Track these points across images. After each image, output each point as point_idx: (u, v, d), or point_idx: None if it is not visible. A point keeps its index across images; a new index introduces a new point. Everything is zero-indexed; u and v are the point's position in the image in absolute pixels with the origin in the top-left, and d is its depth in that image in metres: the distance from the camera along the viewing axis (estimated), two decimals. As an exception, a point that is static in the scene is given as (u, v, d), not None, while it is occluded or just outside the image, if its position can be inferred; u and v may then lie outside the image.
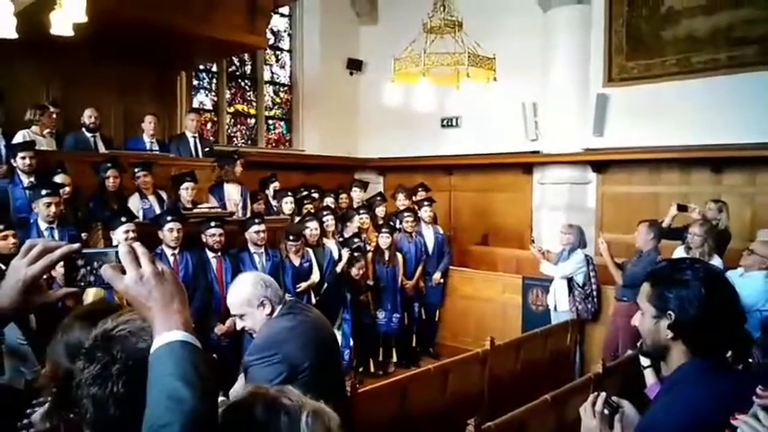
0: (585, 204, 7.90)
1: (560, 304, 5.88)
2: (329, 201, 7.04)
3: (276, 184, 6.96)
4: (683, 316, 1.50)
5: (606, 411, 1.55)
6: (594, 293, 5.85)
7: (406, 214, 6.96)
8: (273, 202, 6.82)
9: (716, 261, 4.82)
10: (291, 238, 5.77)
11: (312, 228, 6.08)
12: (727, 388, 1.46)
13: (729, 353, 2.82)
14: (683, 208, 5.66)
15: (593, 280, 5.84)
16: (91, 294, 4.13)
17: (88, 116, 6.20)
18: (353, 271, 5.94)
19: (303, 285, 5.80)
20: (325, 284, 5.99)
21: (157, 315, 1.02)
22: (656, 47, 7.35)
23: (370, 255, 6.33)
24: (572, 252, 5.86)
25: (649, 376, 2.68)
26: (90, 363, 1.09)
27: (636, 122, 7.30)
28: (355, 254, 6.02)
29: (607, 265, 5.51)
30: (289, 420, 1.00)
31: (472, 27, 5.94)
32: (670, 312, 1.52)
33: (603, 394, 1.59)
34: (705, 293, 1.49)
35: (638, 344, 1.71)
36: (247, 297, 2.42)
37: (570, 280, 5.84)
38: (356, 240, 6.21)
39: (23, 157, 5.03)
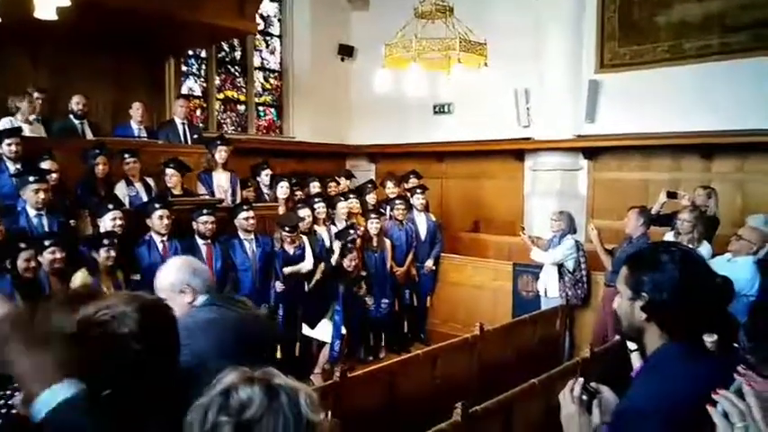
0: (577, 191, 7.91)
1: (550, 290, 5.90)
2: (315, 186, 7.00)
3: (268, 171, 6.93)
4: (655, 298, 1.51)
5: (584, 397, 1.56)
6: (584, 279, 5.88)
7: (397, 201, 6.95)
8: (266, 190, 6.79)
9: (705, 247, 4.85)
10: (287, 229, 5.75)
11: (304, 215, 6.08)
12: (703, 371, 1.47)
13: (715, 337, 2.86)
14: (672, 195, 5.68)
15: (582, 266, 5.86)
16: (78, 279, 4.13)
17: (76, 103, 6.13)
18: (345, 262, 5.91)
19: (288, 270, 5.79)
20: (319, 274, 6.00)
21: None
22: (648, 33, 7.32)
23: (359, 241, 6.32)
24: (562, 238, 5.87)
25: (636, 360, 2.67)
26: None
27: (627, 109, 7.29)
28: (348, 245, 5.99)
29: (597, 252, 5.54)
30: (289, 401, 1.00)
31: (464, 13, 5.90)
32: (644, 294, 1.53)
33: (581, 380, 1.60)
34: (679, 277, 1.50)
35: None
36: (171, 281, 2.25)
37: (560, 266, 5.86)
38: (351, 232, 6.19)
39: (9, 144, 4.97)
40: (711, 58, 6.77)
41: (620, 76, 7.46)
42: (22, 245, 3.90)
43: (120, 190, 5.59)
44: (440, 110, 9.06)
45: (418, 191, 7.11)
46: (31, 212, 4.58)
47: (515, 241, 7.07)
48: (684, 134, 6.80)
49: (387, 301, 6.55)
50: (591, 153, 7.80)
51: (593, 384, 1.60)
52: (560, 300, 5.78)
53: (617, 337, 4.35)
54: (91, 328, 1.11)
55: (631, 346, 2.73)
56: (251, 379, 1.02)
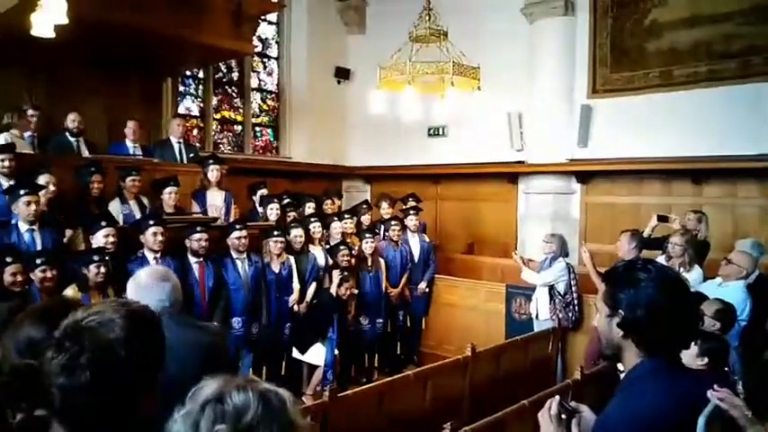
0: (570, 214, 7.95)
1: (541, 313, 5.90)
2: (310, 206, 7.01)
3: (264, 191, 6.95)
4: (631, 315, 1.53)
5: (563, 416, 1.56)
6: (576, 302, 5.88)
7: (392, 222, 6.98)
8: (259, 209, 6.80)
9: (696, 271, 4.88)
10: (276, 234, 5.76)
11: (296, 234, 6.08)
12: (683, 388, 1.48)
13: (706, 360, 2.87)
14: (663, 218, 5.73)
15: (573, 288, 5.87)
16: (68, 295, 4.11)
17: (71, 120, 6.15)
18: (341, 291, 5.89)
19: (292, 299, 5.84)
20: (313, 299, 5.99)
21: None
22: (639, 59, 7.44)
23: (353, 261, 6.31)
24: (553, 261, 5.89)
25: (624, 381, 2.69)
26: (59, 353, 1.11)
27: (619, 133, 7.38)
28: (344, 273, 5.97)
29: (590, 274, 5.56)
30: (281, 405, 0.98)
31: (458, 37, 5.99)
32: (620, 311, 1.55)
33: (557, 398, 1.60)
34: (655, 294, 1.52)
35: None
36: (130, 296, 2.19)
37: (551, 288, 5.87)
38: (342, 248, 6.19)
39: (3, 160, 4.97)
40: (701, 84, 6.88)
41: (612, 102, 7.56)
42: (9, 259, 3.88)
43: (114, 207, 5.60)
44: (434, 132, 9.14)
45: (412, 212, 7.15)
46: (23, 227, 4.57)
47: (509, 263, 7.09)
48: (675, 159, 6.87)
49: (381, 321, 6.53)
50: (583, 177, 7.87)
51: (572, 403, 1.61)
52: (552, 322, 5.78)
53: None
54: (80, 333, 1.11)
55: (621, 367, 2.75)
56: (242, 384, 0.99)
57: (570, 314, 5.83)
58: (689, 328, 1.61)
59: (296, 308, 5.92)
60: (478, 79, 5.97)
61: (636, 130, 7.20)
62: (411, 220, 7.10)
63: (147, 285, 2.17)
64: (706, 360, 2.85)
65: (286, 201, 6.93)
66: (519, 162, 8.23)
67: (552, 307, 5.86)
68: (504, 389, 4.51)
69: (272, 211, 6.49)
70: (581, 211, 7.92)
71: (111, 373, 1.08)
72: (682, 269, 4.74)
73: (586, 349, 5.44)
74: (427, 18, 6.06)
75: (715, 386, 1.47)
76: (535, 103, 7.94)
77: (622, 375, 2.70)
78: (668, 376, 1.51)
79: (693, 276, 4.76)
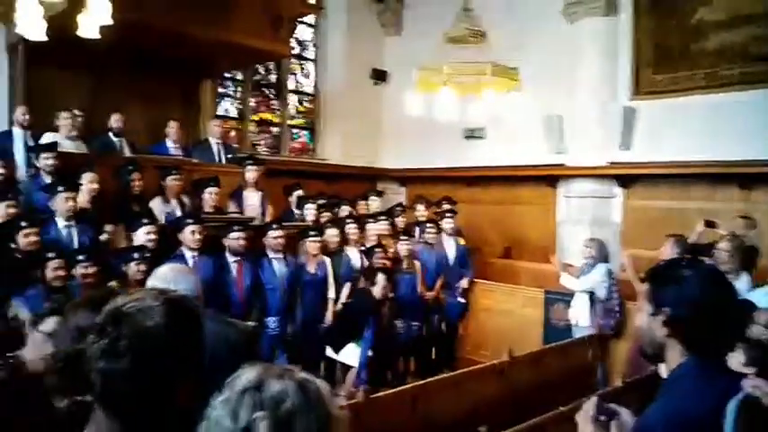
0: (610, 219, 7.76)
1: (581, 319, 5.76)
2: (345, 209, 7.01)
3: (300, 192, 6.99)
4: (676, 313, 1.50)
5: (602, 418, 1.50)
6: (617, 308, 5.72)
7: (428, 225, 6.92)
8: (296, 210, 6.84)
9: (744, 278, 4.67)
10: (312, 234, 5.77)
11: (332, 234, 6.08)
12: (726, 389, 1.42)
13: (754, 369, 2.74)
14: (710, 224, 5.53)
15: (615, 294, 5.72)
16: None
17: (115, 120, 6.31)
18: (375, 291, 5.84)
19: (329, 313, 5.86)
20: (348, 300, 5.97)
21: None
22: (684, 60, 7.21)
23: (388, 264, 6.28)
24: (594, 266, 5.75)
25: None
26: (99, 337, 1.12)
27: (663, 136, 7.16)
28: (382, 273, 5.92)
29: (631, 280, 5.40)
30: (318, 394, 0.98)
31: (496, 38, 5.93)
32: (665, 309, 1.51)
33: (595, 399, 1.55)
34: (700, 292, 1.49)
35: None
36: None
37: (592, 294, 5.72)
38: (377, 250, 6.14)
39: (46, 158, 5.12)
40: (750, 85, 6.62)
41: (656, 104, 7.34)
42: (51, 254, 3.97)
43: (156, 206, 5.69)
44: (471, 135, 9.04)
45: (448, 215, 7.07)
46: (61, 223, 4.67)
47: (547, 268, 6.94)
48: (722, 163, 6.63)
49: (417, 323, 6.48)
50: (625, 181, 7.67)
51: (612, 406, 1.55)
52: (592, 329, 5.63)
53: (652, 367, 4.21)
54: (120, 319, 1.12)
55: (664, 374, 2.64)
56: (280, 373, 0.99)
57: (611, 321, 5.68)
58: (734, 327, 1.58)
59: (331, 308, 5.91)
60: (517, 80, 5.89)
61: (681, 133, 6.98)
62: (447, 223, 7.03)
63: (175, 278, 2.16)
64: (753, 370, 2.73)
65: (321, 202, 6.94)
66: (558, 165, 8.08)
67: (593, 313, 5.72)
68: (542, 396, 4.39)
69: (309, 212, 6.51)
70: (622, 216, 7.72)
71: (148, 360, 1.09)
72: (729, 276, 4.56)
73: (629, 357, 5.28)
74: (465, 19, 6.01)
75: (749, 376, 1.43)
76: (575, 105, 7.77)
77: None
78: (711, 377, 1.46)
79: (741, 284, 4.56)
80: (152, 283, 2.17)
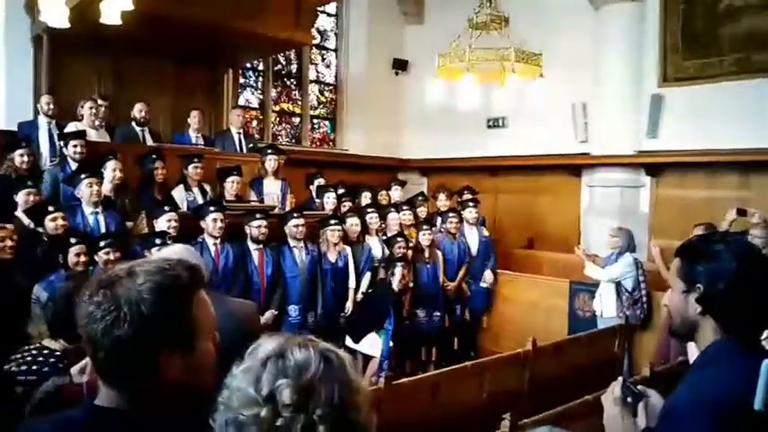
0: (638, 209, 7.61)
1: (607, 310, 5.65)
2: (366, 196, 6.97)
3: (321, 181, 6.97)
4: (711, 289, 1.43)
5: (629, 399, 1.46)
6: (644, 299, 5.60)
7: (450, 214, 6.83)
8: (316, 199, 6.82)
9: (777, 267, 4.54)
10: (333, 222, 5.74)
11: (352, 223, 6.05)
12: (755, 368, 1.35)
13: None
14: (742, 212, 5.36)
15: (642, 285, 5.59)
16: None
17: (138, 110, 6.35)
18: (394, 282, 5.79)
19: (349, 305, 5.83)
20: (367, 289, 5.94)
21: None
22: (713, 46, 7.02)
23: (409, 253, 6.22)
24: (620, 255, 5.63)
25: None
26: (89, 303, 1.10)
27: (692, 124, 6.98)
28: (400, 263, 5.88)
29: (659, 271, 5.27)
30: (340, 364, 0.97)
31: (519, 24, 5.82)
32: (699, 286, 1.45)
33: (620, 379, 1.51)
34: (736, 267, 1.42)
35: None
36: None
37: (618, 285, 5.61)
38: (399, 240, 6.09)
39: (75, 146, 5.17)
40: (782, 71, 6.43)
41: (685, 91, 7.16)
42: (73, 240, 3.99)
43: (178, 194, 5.73)
44: (493, 124, 8.94)
45: (470, 204, 6.98)
46: (87, 210, 4.71)
47: (571, 258, 6.81)
48: (754, 150, 6.44)
49: (438, 314, 6.42)
50: (653, 169, 7.50)
51: (639, 387, 1.51)
52: (618, 320, 5.52)
53: (680, 358, 4.10)
54: (109, 284, 1.11)
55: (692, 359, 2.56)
56: (303, 342, 0.97)
57: (638, 311, 5.56)
58: None
59: (351, 298, 5.88)
60: (540, 66, 5.77)
61: (710, 121, 6.79)
62: (470, 213, 6.93)
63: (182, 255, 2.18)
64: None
65: (342, 191, 6.91)
66: (583, 154, 7.93)
67: (619, 304, 5.61)
68: (565, 386, 4.31)
69: (329, 201, 6.48)
70: (650, 206, 7.56)
71: (127, 324, 1.06)
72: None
73: (656, 348, 5.17)
74: (488, 4, 5.90)
75: None
76: (601, 93, 7.62)
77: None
78: (745, 356, 1.39)
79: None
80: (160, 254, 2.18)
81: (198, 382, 1.14)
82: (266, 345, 0.97)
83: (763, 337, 1.52)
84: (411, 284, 6.16)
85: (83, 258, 3.95)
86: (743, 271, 1.42)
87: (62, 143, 5.41)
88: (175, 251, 2.22)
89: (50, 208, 4.39)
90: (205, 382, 1.14)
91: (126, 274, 1.11)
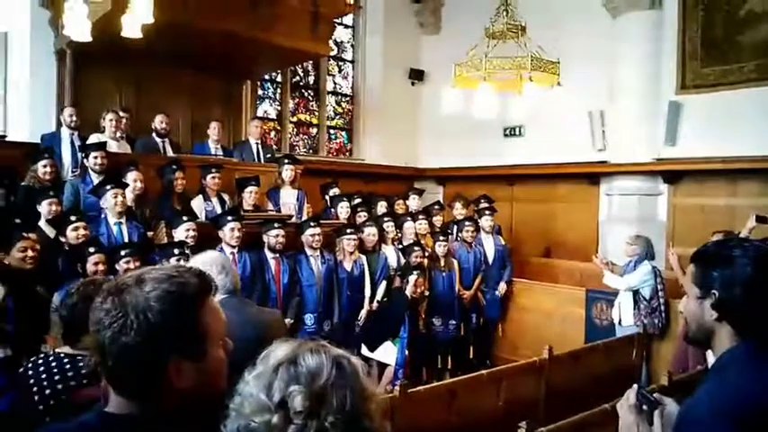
0: (656, 217, 7.54)
1: (625, 318, 5.59)
2: (382, 205, 6.99)
3: (336, 190, 7.01)
4: (727, 295, 1.42)
5: (645, 407, 1.45)
6: (662, 307, 5.53)
7: (467, 223, 6.83)
8: (331, 209, 6.86)
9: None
10: (349, 231, 5.77)
11: (370, 233, 6.07)
12: None
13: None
14: (762, 219, 5.29)
15: (660, 293, 5.53)
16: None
17: (159, 121, 6.46)
18: (409, 289, 5.80)
19: (363, 314, 5.83)
20: (383, 298, 5.95)
21: None
22: (733, 52, 6.97)
23: (425, 262, 6.23)
24: (638, 264, 5.58)
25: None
26: (100, 310, 1.10)
27: (711, 131, 6.92)
28: (415, 272, 5.88)
29: (678, 279, 5.21)
30: (352, 370, 0.97)
31: (537, 33, 5.82)
32: (714, 292, 1.44)
33: (635, 386, 1.50)
34: (752, 272, 1.40)
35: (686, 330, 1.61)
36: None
37: (636, 293, 5.55)
38: (416, 249, 6.10)
39: (96, 157, 5.27)
40: (803, 77, 6.36)
41: (704, 98, 7.11)
42: (92, 249, 4.05)
43: (197, 204, 5.80)
44: (510, 132, 8.93)
45: (487, 212, 6.97)
46: (111, 220, 4.79)
47: (588, 267, 6.78)
48: (774, 158, 6.37)
49: (454, 322, 6.41)
50: (671, 177, 7.44)
51: (655, 395, 1.49)
52: (636, 328, 5.46)
53: (699, 367, 4.06)
54: (119, 291, 1.11)
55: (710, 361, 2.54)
56: (315, 348, 0.97)
57: (656, 320, 5.49)
58: None
59: (366, 307, 5.90)
60: (558, 74, 5.76)
61: (729, 128, 6.73)
62: (486, 221, 6.92)
63: (227, 267, 2.22)
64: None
65: (357, 201, 6.94)
66: (601, 162, 7.90)
67: (637, 312, 5.55)
68: (583, 394, 4.27)
69: (343, 210, 6.52)
70: (668, 214, 7.49)
71: (135, 332, 1.06)
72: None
73: (674, 356, 5.10)
74: (505, 13, 5.92)
75: None
76: (618, 101, 7.59)
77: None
78: (762, 362, 1.38)
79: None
80: (194, 263, 2.21)
81: (209, 388, 1.13)
82: (278, 351, 0.97)
83: None
84: (427, 293, 6.16)
85: (101, 267, 3.99)
86: (759, 276, 1.41)
87: (83, 155, 5.51)
88: (207, 259, 2.26)
89: (72, 218, 4.46)
90: (216, 389, 1.13)
91: (134, 282, 1.10)
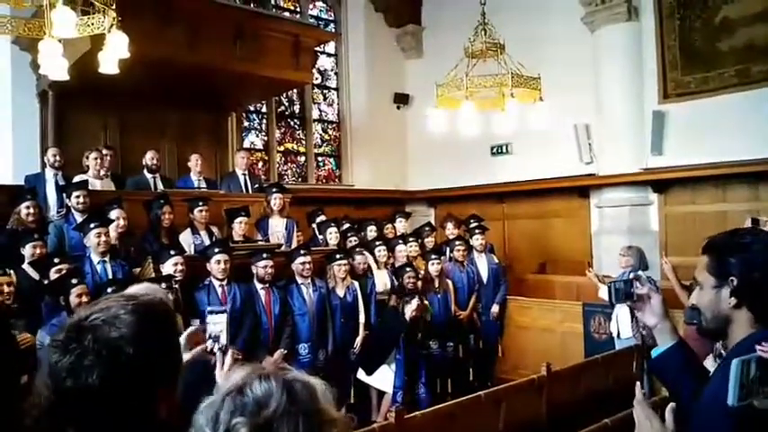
0: (648, 227, 7.52)
1: (623, 331, 5.53)
2: (372, 230, 6.95)
3: (322, 217, 6.97)
4: (746, 280, 1.44)
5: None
6: (661, 317, 5.46)
7: (457, 243, 6.78)
8: (319, 236, 6.81)
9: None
10: (339, 256, 5.71)
11: (360, 261, 6.01)
12: None
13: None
14: (755, 222, 5.28)
15: (657, 303, 5.46)
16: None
17: (150, 158, 6.43)
18: (407, 311, 5.72)
19: (358, 342, 5.76)
20: (378, 319, 5.86)
21: None
22: (712, 59, 7.03)
23: (419, 284, 6.15)
24: (632, 274, 5.52)
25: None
26: (63, 354, 1.02)
27: (697, 138, 6.94)
28: (417, 296, 5.80)
29: (673, 288, 5.16)
30: (308, 396, 0.90)
31: (516, 50, 5.86)
32: (732, 278, 1.45)
33: (639, 383, 1.50)
34: None
35: (695, 321, 1.62)
36: None
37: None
38: (408, 270, 6.03)
39: (78, 196, 5.22)
40: (784, 79, 6.41)
41: (687, 105, 7.16)
42: (74, 281, 3.98)
43: (186, 238, 5.73)
44: (498, 150, 8.95)
45: (477, 231, 6.93)
46: (95, 259, 4.72)
47: (584, 281, 6.71)
48: (762, 161, 6.37)
49: (451, 344, 6.31)
50: (660, 186, 7.44)
51: (638, 282, 1.63)
52: (635, 341, 5.39)
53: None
54: (83, 333, 1.03)
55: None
56: (266, 374, 0.91)
57: (655, 330, 5.41)
58: None
59: (362, 332, 5.80)
60: (539, 90, 5.79)
61: (714, 134, 6.76)
62: (477, 240, 6.88)
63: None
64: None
65: (346, 226, 6.89)
66: (589, 175, 7.90)
67: (635, 324, 5.47)
68: (584, 410, 4.18)
69: (332, 235, 6.47)
70: (660, 223, 7.47)
71: (120, 374, 0.99)
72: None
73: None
74: (483, 32, 5.97)
75: (763, 343, 1.36)
76: (603, 113, 7.63)
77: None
78: None
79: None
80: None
81: (176, 419, 1.08)
82: (235, 375, 0.92)
83: None
84: (429, 318, 6.06)
85: (84, 299, 3.91)
86: None
87: (65, 194, 5.45)
88: (141, 288, 2.19)
89: (56, 260, 4.39)
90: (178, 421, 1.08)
91: (101, 322, 1.04)
